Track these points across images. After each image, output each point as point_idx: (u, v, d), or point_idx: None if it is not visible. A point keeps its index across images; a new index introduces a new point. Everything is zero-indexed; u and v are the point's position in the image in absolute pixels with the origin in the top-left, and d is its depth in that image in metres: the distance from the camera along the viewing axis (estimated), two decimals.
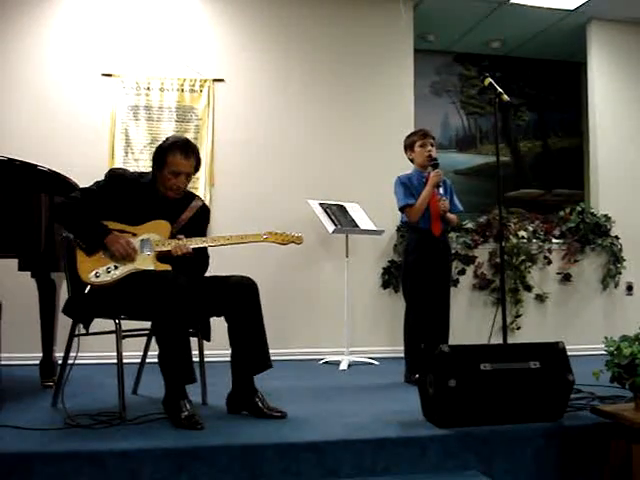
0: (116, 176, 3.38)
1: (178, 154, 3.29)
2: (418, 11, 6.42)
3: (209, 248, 3.48)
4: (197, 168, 3.43)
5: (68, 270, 3.36)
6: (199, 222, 3.52)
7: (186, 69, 5.79)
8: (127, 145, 5.62)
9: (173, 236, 3.33)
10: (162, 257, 3.27)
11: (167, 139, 3.41)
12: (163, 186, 3.35)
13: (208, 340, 3.46)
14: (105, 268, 3.17)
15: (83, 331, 3.29)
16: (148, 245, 3.27)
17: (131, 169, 3.56)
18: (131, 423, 2.98)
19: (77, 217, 3.22)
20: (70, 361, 3.26)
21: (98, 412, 3.11)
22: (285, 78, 6.02)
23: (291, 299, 5.78)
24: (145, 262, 3.23)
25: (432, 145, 4.48)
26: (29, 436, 2.73)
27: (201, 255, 3.45)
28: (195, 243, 3.32)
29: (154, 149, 3.39)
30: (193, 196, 3.59)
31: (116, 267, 3.18)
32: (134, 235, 3.28)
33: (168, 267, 3.24)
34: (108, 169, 3.43)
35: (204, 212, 3.60)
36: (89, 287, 3.19)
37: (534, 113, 8.01)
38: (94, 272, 3.16)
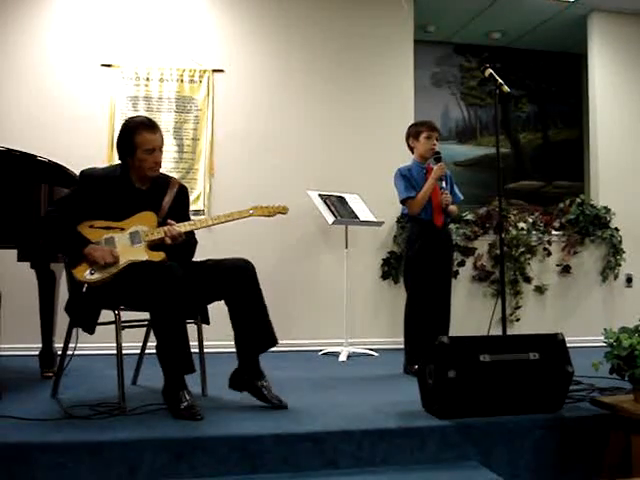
0: (87, 177, 3.35)
1: (144, 132, 3.28)
2: (418, 2, 6.38)
3: (197, 232, 3.50)
4: (162, 140, 3.41)
5: (67, 270, 3.37)
6: (180, 206, 3.51)
7: (185, 59, 5.77)
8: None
9: (160, 224, 3.33)
10: (154, 246, 3.27)
11: (126, 124, 3.37)
12: (140, 170, 3.33)
13: (207, 323, 3.47)
14: (99, 265, 3.16)
15: None
16: (138, 237, 3.27)
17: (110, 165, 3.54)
18: (131, 413, 2.98)
19: (54, 233, 3.24)
20: (70, 352, 3.26)
21: (98, 402, 3.11)
22: (285, 69, 6.00)
23: (291, 290, 5.78)
24: (138, 253, 3.23)
25: (437, 139, 4.49)
26: (29, 426, 2.74)
27: (190, 239, 3.45)
28: (184, 228, 3.32)
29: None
30: (168, 178, 3.57)
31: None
32: (122, 230, 3.28)
33: (162, 254, 3.25)
34: (79, 172, 3.41)
35: (183, 193, 3.59)
36: (86, 286, 3.20)
37: (534, 105, 8.00)
38: (89, 270, 3.15)
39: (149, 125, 3.32)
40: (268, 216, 3.50)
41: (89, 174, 3.38)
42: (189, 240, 3.41)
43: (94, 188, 3.30)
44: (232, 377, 3.27)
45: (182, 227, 3.31)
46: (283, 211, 3.51)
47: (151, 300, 3.03)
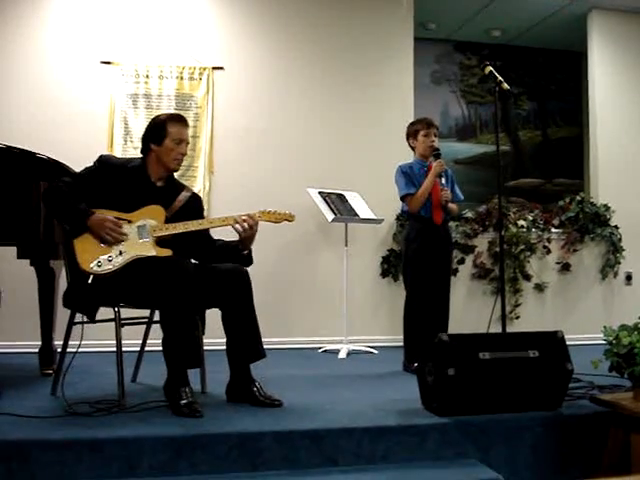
0: (105, 162, 3.38)
1: (177, 123, 3.37)
2: None
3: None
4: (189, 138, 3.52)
5: (67, 260, 3.35)
6: (192, 210, 3.50)
7: (185, 57, 5.77)
8: (126, 133, 5.60)
9: (168, 221, 3.32)
10: (161, 241, 3.26)
11: (158, 116, 3.48)
12: (165, 159, 3.35)
13: (202, 333, 3.47)
14: (107, 257, 3.14)
15: (85, 318, 3.27)
16: (146, 231, 3.25)
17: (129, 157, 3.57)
18: (130, 411, 2.98)
19: (59, 199, 3.19)
20: (73, 349, 3.26)
21: (97, 400, 3.11)
22: (285, 66, 6.00)
23: (290, 288, 5.79)
24: (146, 248, 3.21)
25: (435, 135, 4.48)
26: (29, 424, 2.73)
27: (205, 239, 3.47)
28: (192, 226, 3.31)
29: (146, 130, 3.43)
30: (182, 186, 3.60)
31: (119, 254, 3.16)
32: (130, 222, 3.25)
33: (169, 252, 3.23)
34: (98, 156, 3.43)
35: (197, 199, 3.63)
36: (92, 277, 3.16)
37: (534, 102, 8.00)
38: (96, 262, 3.12)
39: (182, 119, 3.45)
40: (275, 222, 3.48)
41: (107, 159, 3.42)
42: (204, 242, 3.47)
43: (109, 174, 3.31)
44: (227, 390, 3.30)
45: (190, 225, 3.31)
46: (290, 219, 3.49)
47: (163, 293, 3.02)
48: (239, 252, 3.42)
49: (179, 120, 3.41)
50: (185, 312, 3.04)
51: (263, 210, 3.46)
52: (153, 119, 3.47)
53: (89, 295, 3.20)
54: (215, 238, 3.55)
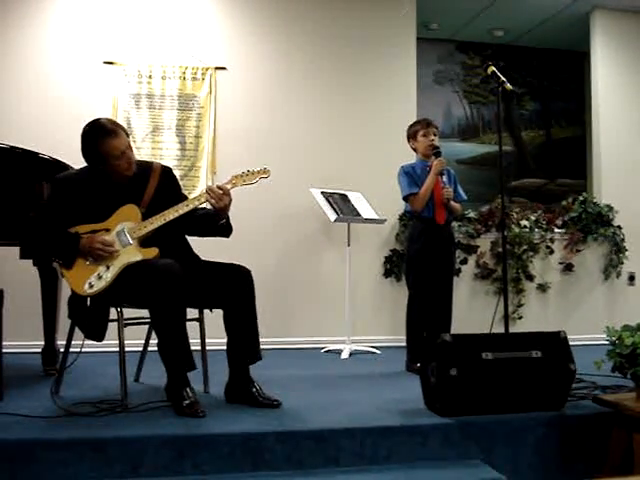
0: (61, 182, 3.30)
1: (107, 139, 3.19)
2: None
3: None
4: (127, 135, 3.33)
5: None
6: (168, 189, 3.43)
7: (188, 57, 5.77)
8: (129, 133, 5.59)
9: (145, 215, 3.25)
10: (145, 240, 3.21)
11: (85, 135, 3.25)
12: (115, 173, 3.25)
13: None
14: (96, 275, 3.11)
15: None
16: (125, 235, 3.19)
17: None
18: (133, 411, 2.98)
19: (42, 239, 3.20)
20: (75, 349, 3.26)
21: (100, 400, 3.11)
22: (287, 67, 6.00)
23: (293, 288, 5.78)
24: (131, 254, 3.16)
25: (435, 134, 4.48)
26: (31, 423, 2.74)
27: (187, 216, 3.32)
28: (170, 215, 3.22)
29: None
30: (148, 167, 3.47)
31: (106, 269, 3.12)
32: (107, 230, 3.19)
33: (155, 250, 3.18)
34: (52, 180, 3.32)
35: (167, 175, 3.50)
36: (89, 299, 3.14)
37: (537, 102, 7.98)
38: (87, 283, 3.09)
39: (109, 131, 3.22)
40: (250, 184, 3.42)
41: (63, 178, 3.34)
42: (190, 221, 3.36)
43: (72, 191, 3.24)
44: (226, 390, 3.30)
45: (168, 214, 3.21)
46: (265, 175, 3.42)
47: (151, 299, 3.02)
48: (217, 222, 3.36)
49: (108, 134, 3.20)
50: (173, 317, 3.02)
51: (235, 174, 3.39)
52: (82, 138, 3.24)
53: (93, 315, 3.17)
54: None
